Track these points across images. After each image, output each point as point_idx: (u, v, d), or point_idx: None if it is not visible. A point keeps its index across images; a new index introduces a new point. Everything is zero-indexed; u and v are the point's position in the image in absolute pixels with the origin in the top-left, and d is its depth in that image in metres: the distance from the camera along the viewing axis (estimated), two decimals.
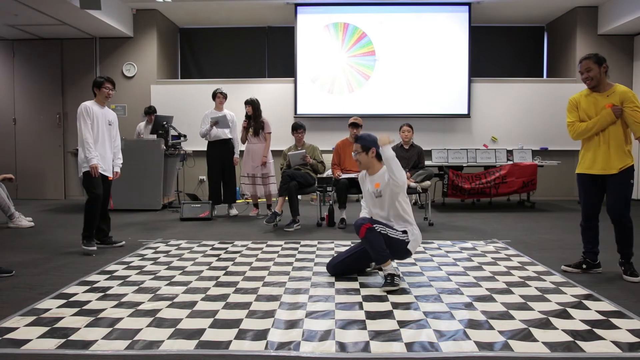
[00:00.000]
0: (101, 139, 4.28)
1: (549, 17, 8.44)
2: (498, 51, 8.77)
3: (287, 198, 5.26)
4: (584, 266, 3.52)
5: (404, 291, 3.03)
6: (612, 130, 3.31)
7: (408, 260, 3.82)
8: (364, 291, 3.03)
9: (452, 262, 3.77)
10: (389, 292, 2.99)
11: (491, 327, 2.43)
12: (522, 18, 8.45)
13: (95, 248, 4.20)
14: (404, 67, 7.90)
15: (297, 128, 5.73)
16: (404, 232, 3.24)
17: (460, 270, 3.54)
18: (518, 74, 8.55)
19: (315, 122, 7.79)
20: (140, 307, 2.76)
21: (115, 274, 3.49)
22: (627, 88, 3.34)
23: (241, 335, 2.37)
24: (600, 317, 2.57)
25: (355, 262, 3.40)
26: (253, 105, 5.95)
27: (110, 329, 2.45)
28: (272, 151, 6.17)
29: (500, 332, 2.37)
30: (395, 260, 3.44)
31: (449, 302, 2.81)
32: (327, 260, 3.83)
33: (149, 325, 2.49)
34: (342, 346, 2.23)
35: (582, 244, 3.54)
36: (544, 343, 2.24)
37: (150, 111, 7.24)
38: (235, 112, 6.38)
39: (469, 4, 7.83)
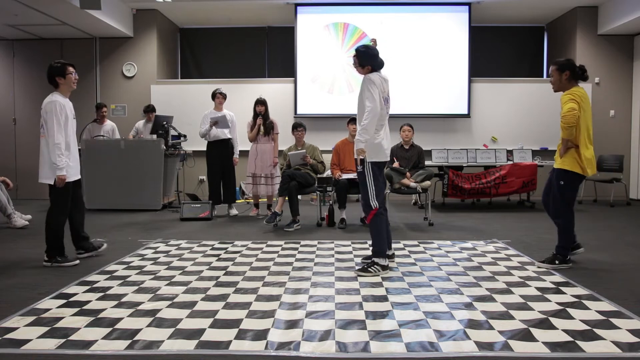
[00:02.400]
0: (73, 138, 3.82)
1: (549, 17, 8.44)
2: (498, 51, 8.76)
3: (287, 198, 5.27)
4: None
5: (404, 291, 3.04)
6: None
7: (408, 260, 3.84)
8: (364, 291, 3.03)
9: (452, 262, 3.77)
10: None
11: (491, 327, 2.44)
12: (522, 18, 8.45)
13: (77, 262, 3.78)
14: (404, 67, 7.90)
15: (297, 127, 5.74)
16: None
17: (460, 270, 3.54)
18: (518, 74, 8.55)
19: (315, 122, 7.79)
20: (140, 307, 2.76)
21: (115, 274, 3.49)
22: (571, 91, 3.47)
23: (241, 335, 2.37)
24: (600, 317, 2.57)
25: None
26: (265, 105, 5.97)
27: (110, 329, 2.45)
28: None
29: (500, 332, 2.37)
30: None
31: (449, 302, 2.81)
32: (328, 260, 3.84)
33: (149, 325, 2.49)
34: (342, 346, 2.23)
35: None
36: (544, 343, 2.24)
37: (149, 109, 7.26)
38: (235, 112, 6.38)
39: (469, 4, 7.82)
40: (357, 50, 3.53)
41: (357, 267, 3.54)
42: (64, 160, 3.62)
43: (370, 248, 3.64)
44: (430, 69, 7.95)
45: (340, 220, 5.43)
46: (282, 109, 7.87)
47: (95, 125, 7.12)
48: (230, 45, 8.89)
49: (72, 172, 3.79)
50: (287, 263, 3.76)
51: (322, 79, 7.99)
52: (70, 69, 3.81)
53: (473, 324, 2.48)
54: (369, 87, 3.41)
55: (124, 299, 2.90)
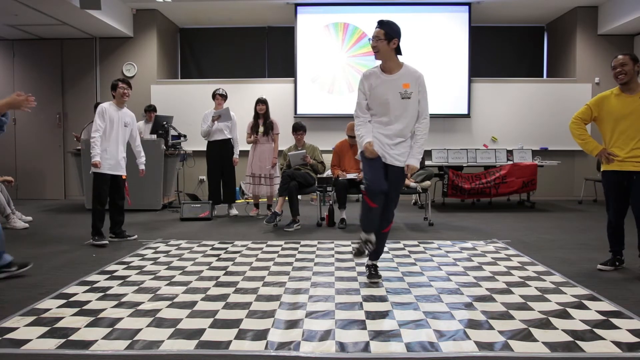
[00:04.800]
0: (114, 140, 4.53)
1: (549, 17, 8.44)
2: (498, 51, 8.76)
3: (287, 198, 5.27)
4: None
5: (404, 291, 3.04)
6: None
7: (408, 260, 3.83)
8: (364, 291, 3.03)
9: (452, 262, 3.77)
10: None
11: (491, 327, 2.44)
12: (522, 18, 8.45)
13: (105, 242, 4.44)
14: None
15: (298, 129, 5.73)
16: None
17: (460, 270, 3.54)
18: (518, 74, 8.55)
19: (315, 122, 7.79)
20: (140, 307, 2.76)
21: (115, 274, 3.49)
22: None
23: (241, 335, 2.37)
24: (600, 317, 2.57)
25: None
26: (266, 105, 5.97)
27: (110, 329, 2.45)
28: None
29: (500, 332, 2.37)
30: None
31: (449, 302, 2.81)
32: (327, 260, 3.84)
33: (149, 325, 2.49)
34: (342, 346, 2.23)
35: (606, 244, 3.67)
36: (544, 343, 2.24)
37: (150, 109, 7.26)
38: (236, 112, 6.37)
39: (469, 4, 7.83)
40: (382, 21, 2.99)
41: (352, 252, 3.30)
42: (95, 150, 4.37)
43: (367, 252, 3.41)
44: (430, 69, 7.91)
45: (340, 220, 5.43)
46: (282, 109, 7.87)
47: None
48: (230, 45, 8.89)
49: (107, 166, 4.50)
50: (287, 263, 3.76)
51: (322, 79, 7.99)
52: (121, 84, 4.60)
53: (473, 324, 2.48)
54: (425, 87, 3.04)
55: (124, 299, 2.90)
